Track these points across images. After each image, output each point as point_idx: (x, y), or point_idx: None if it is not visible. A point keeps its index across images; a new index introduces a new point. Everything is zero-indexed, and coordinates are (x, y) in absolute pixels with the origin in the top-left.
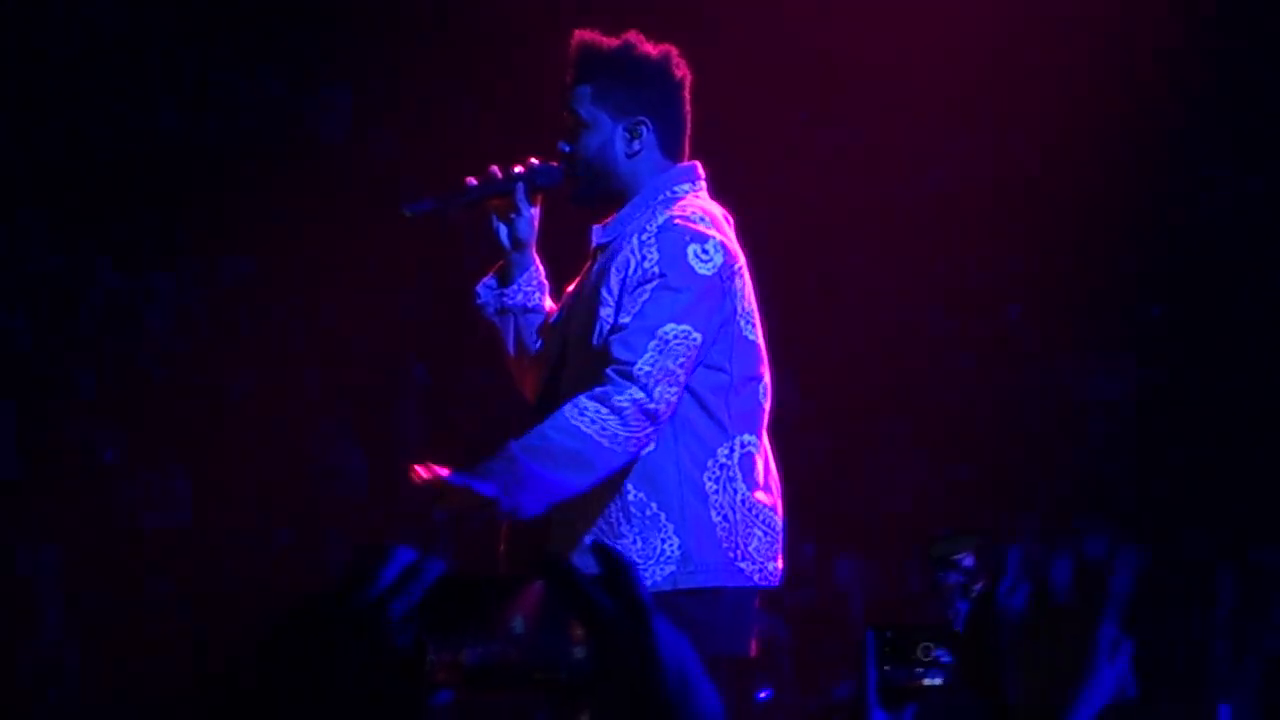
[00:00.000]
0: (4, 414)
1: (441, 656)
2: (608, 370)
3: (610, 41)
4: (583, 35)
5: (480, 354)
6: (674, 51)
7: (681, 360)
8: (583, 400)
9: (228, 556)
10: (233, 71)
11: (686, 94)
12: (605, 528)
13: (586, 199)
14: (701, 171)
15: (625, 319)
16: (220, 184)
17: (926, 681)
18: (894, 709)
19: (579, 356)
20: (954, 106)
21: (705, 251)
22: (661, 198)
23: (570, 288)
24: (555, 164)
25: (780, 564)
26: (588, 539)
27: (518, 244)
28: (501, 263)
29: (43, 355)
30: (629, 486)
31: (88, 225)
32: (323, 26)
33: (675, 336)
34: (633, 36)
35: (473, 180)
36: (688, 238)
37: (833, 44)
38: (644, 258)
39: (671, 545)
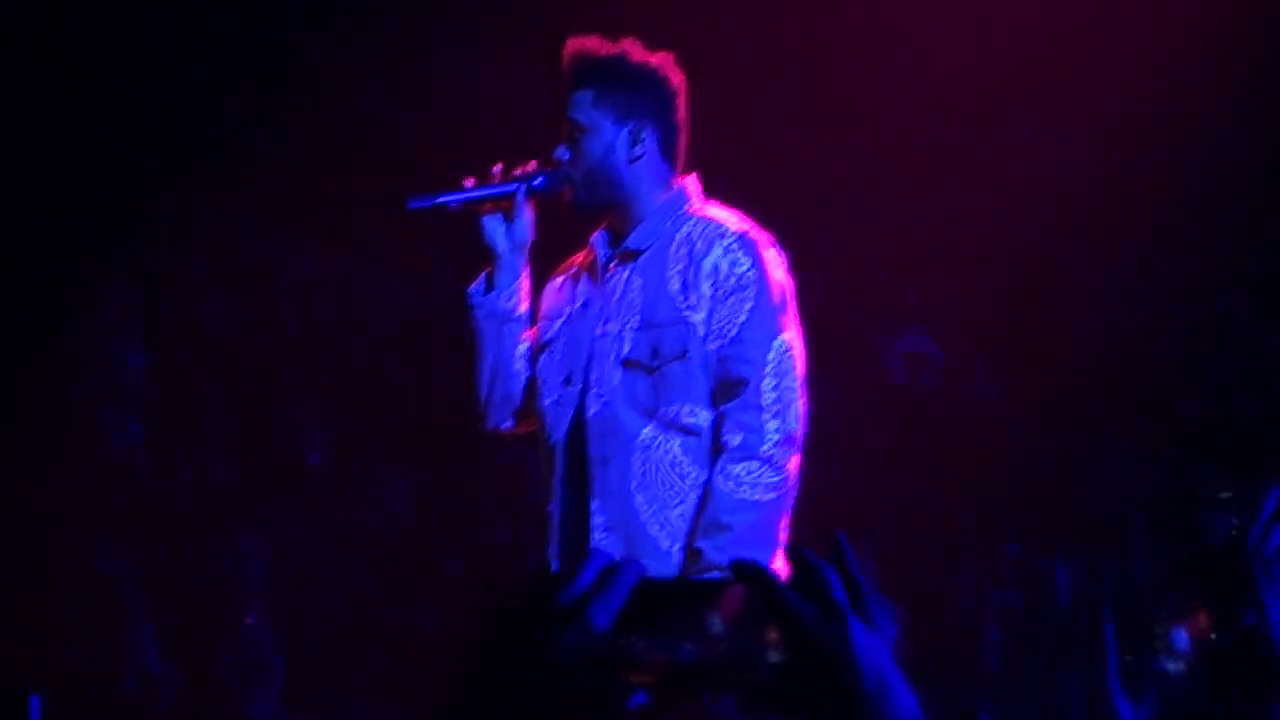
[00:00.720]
0: (213, 411)
1: (638, 657)
2: (736, 414)
3: (609, 47)
4: (579, 42)
5: None
6: (671, 58)
7: (795, 371)
8: (731, 469)
9: (446, 556)
10: (427, 54)
11: (683, 100)
12: (690, 510)
13: (586, 205)
14: (697, 179)
15: (732, 330)
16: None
17: (1168, 667)
18: (1136, 697)
19: (641, 370)
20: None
21: (778, 256)
22: (693, 204)
23: (554, 303)
24: (555, 169)
25: None
26: (653, 537)
27: (513, 247)
28: (489, 268)
29: (249, 349)
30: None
31: (294, 212)
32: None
33: (785, 349)
34: (629, 43)
35: (470, 181)
36: (764, 245)
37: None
38: (736, 263)
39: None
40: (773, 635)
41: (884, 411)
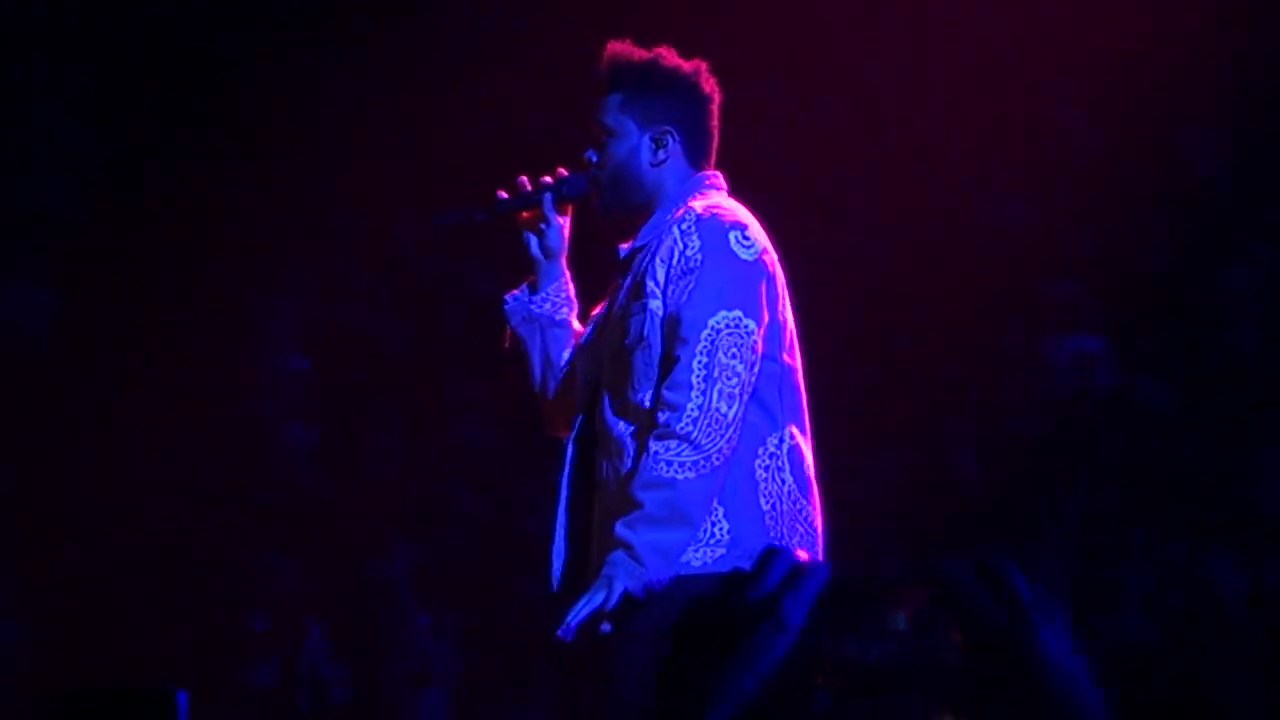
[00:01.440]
0: (389, 422)
1: (828, 655)
2: (663, 392)
3: (640, 53)
4: (614, 46)
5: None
6: (704, 67)
7: (734, 350)
8: (652, 445)
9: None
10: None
11: (714, 109)
12: None
13: (612, 208)
14: (724, 183)
15: (674, 311)
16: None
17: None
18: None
19: (618, 363)
20: None
21: (746, 238)
22: (695, 199)
23: (597, 310)
24: (582, 174)
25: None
26: None
27: (548, 254)
28: (532, 276)
29: (422, 362)
30: None
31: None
32: None
33: (726, 325)
34: (663, 50)
35: (502, 193)
36: (727, 224)
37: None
38: (686, 245)
39: (722, 529)
40: (955, 636)
41: (1049, 412)
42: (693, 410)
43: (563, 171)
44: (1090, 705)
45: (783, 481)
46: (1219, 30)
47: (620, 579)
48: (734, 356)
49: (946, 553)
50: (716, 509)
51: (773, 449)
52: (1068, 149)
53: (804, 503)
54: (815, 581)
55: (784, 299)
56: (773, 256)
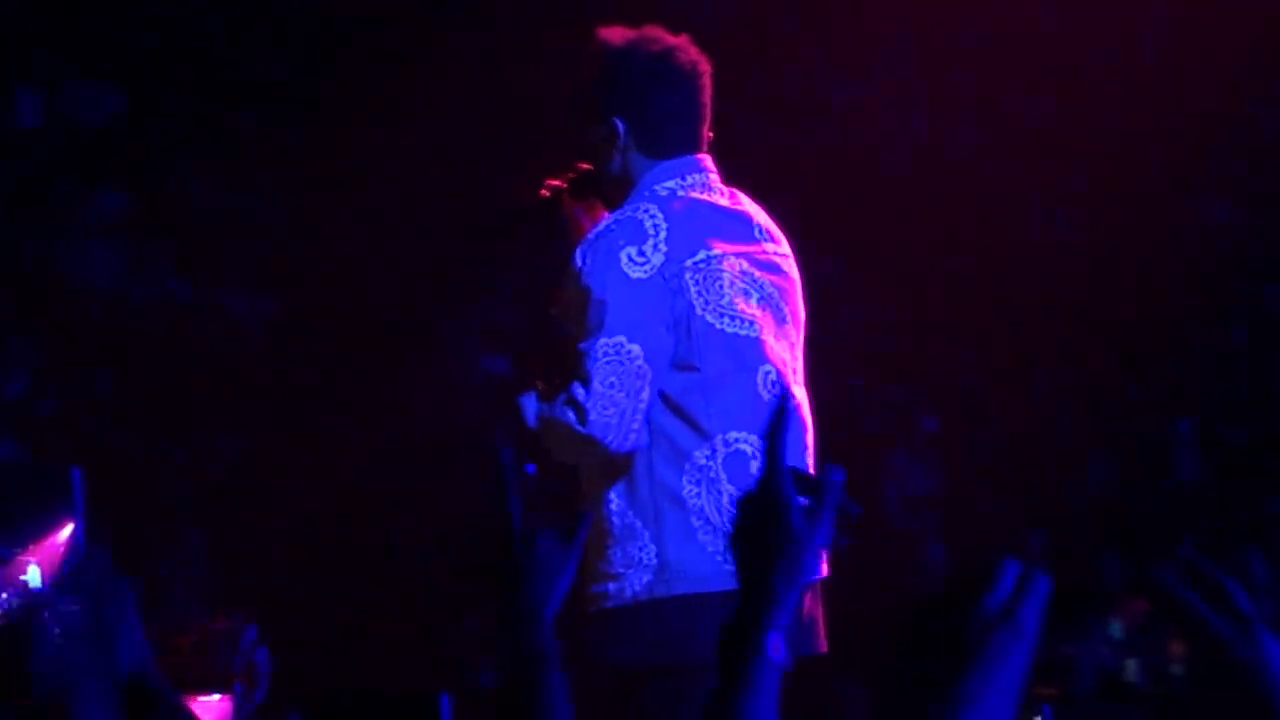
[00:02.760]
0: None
1: (1059, 663)
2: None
3: (604, 41)
4: (597, 33)
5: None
6: (654, 39)
7: (613, 377)
8: (562, 398)
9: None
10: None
11: (674, 84)
12: (592, 540)
13: (607, 205)
14: (703, 163)
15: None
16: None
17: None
18: None
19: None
20: None
21: (642, 254)
22: (640, 198)
23: None
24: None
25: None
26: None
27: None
28: None
29: None
30: (610, 496)
31: None
32: None
33: (605, 352)
34: (608, 33)
35: (546, 191)
36: (621, 241)
37: None
38: (581, 268)
39: (649, 553)
40: (1176, 647)
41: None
42: (577, 421)
43: (582, 168)
44: None
45: (719, 492)
46: None
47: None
48: (613, 383)
49: (1167, 557)
50: (643, 533)
51: (702, 461)
52: None
53: None
54: (1043, 590)
55: (719, 296)
56: (690, 260)
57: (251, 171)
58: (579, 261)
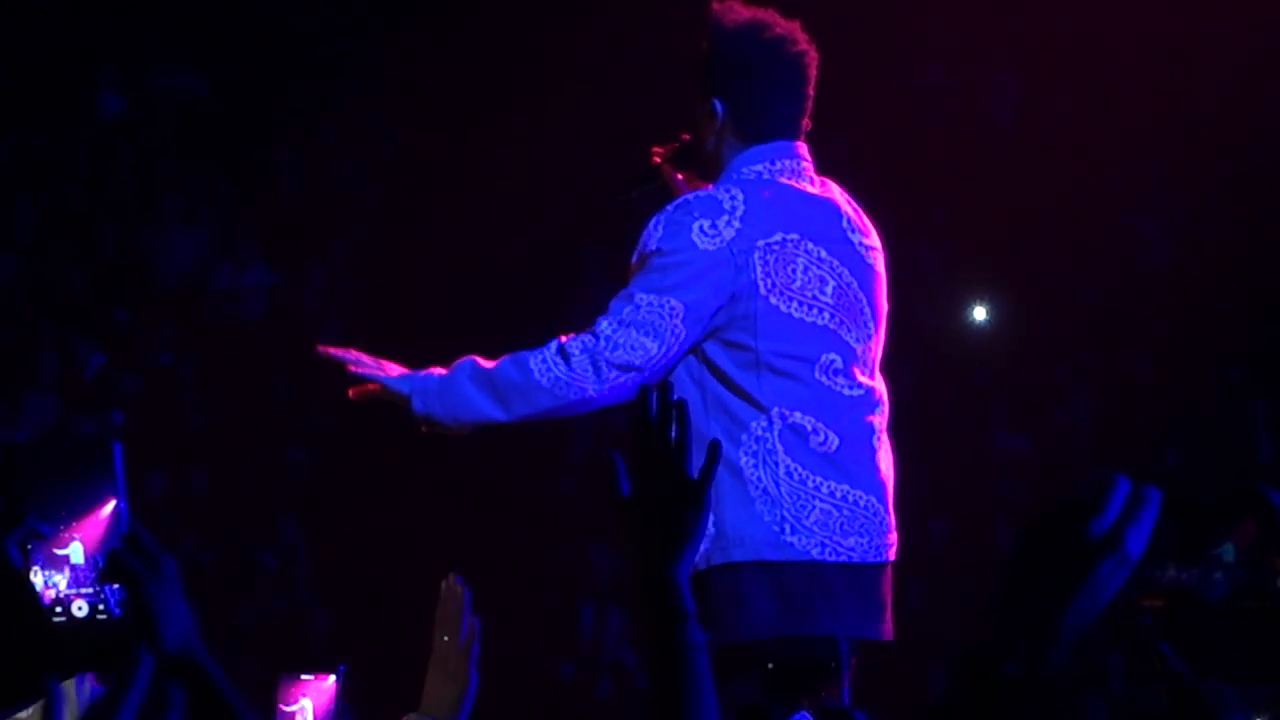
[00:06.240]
0: None
1: (1154, 580)
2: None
3: (718, 18)
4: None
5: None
6: (765, 25)
7: (649, 326)
8: (551, 345)
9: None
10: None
11: (777, 76)
12: None
13: (702, 180)
14: (796, 150)
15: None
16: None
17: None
18: None
19: None
20: None
21: (715, 227)
22: (728, 180)
23: None
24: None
25: (871, 539)
26: None
27: None
28: None
29: None
30: None
31: None
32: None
33: (648, 303)
34: (722, 9)
35: (657, 156)
36: (697, 213)
37: None
38: (650, 233)
39: (708, 521)
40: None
41: None
42: (578, 338)
43: (684, 139)
44: None
45: (776, 464)
46: None
47: (409, 386)
48: (648, 332)
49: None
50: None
51: (759, 433)
52: None
53: (819, 479)
54: (1153, 511)
55: (791, 280)
56: (764, 242)
57: (338, 157)
58: (652, 226)
